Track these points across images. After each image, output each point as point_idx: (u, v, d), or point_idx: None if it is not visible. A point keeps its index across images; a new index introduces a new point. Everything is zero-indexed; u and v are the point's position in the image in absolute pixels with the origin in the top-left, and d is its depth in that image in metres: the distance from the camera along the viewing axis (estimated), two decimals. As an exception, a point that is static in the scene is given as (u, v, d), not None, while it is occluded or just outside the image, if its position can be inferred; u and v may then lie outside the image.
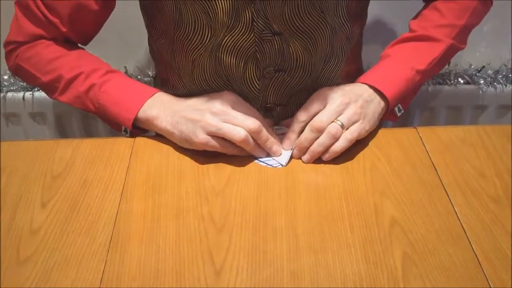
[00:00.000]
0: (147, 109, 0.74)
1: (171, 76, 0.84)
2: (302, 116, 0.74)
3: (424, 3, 0.87)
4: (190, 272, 0.58)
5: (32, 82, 0.83)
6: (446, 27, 0.81)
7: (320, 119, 0.72)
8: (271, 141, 0.73)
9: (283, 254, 0.59)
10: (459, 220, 0.63)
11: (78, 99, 0.78)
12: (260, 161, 0.73)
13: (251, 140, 0.70)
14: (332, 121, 0.72)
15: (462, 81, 1.20)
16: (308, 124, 0.73)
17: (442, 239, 0.61)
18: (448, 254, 0.59)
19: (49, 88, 0.81)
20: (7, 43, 0.81)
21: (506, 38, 1.19)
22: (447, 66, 1.19)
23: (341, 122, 0.71)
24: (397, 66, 0.79)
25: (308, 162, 0.73)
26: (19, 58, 0.81)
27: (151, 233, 0.62)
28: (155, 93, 0.76)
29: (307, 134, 0.72)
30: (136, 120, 0.75)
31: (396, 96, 0.77)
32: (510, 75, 1.20)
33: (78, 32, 0.81)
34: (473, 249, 0.60)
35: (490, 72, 1.20)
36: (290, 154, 0.73)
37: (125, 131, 0.77)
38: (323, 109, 0.73)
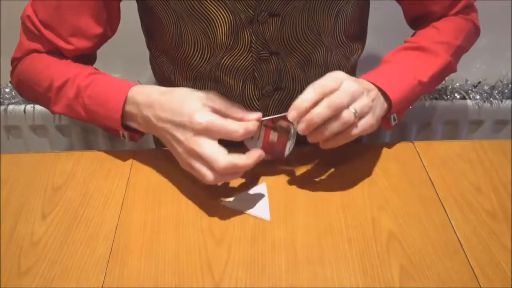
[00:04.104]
0: (129, 104, 0.70)
1: None
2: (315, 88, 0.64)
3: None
4: (189, 285, 0.58)
5: (32, 97, 0.82)
6: (444, 44, 0.80)
7: (341, 99, 0.63)
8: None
9: (282, 267, 0.60)
10: (456, 234, 0.64)
11: (69, 108, 0.75)
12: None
13: (218, 180, 0.65)
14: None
15: (458, 97, 1.21)
16: (325, 100, 0.62)
17: (439, 253, 0.61)
18: (445, 267, 0.60)
19: (45, 99, 0.78)
20: (11, 61, 0.81)
21: (501, 54, 1.20)
22: (443, 82, 1.20)
23: (355, 110, 0.64)
24: (401, 72, 0.75)
25: (304, 133, 0.64)
26: (17, 73, 0.81)
27: (151, 246, 0.63)
28: (132, 87, 0.71)
29: (321, 109, 0.62)
30: (124, 117, 0.71)
31: (399, 101, 0.72)
32: (506, 90, 1.21)
33: (78, 49, 0.79)
34: (469, 262, 0.60)
35: (486, 87, 1.21)
36: (267, 206, 0.68)
37: (123, 136, 0.75)
38: (338, 88, 0.64)
